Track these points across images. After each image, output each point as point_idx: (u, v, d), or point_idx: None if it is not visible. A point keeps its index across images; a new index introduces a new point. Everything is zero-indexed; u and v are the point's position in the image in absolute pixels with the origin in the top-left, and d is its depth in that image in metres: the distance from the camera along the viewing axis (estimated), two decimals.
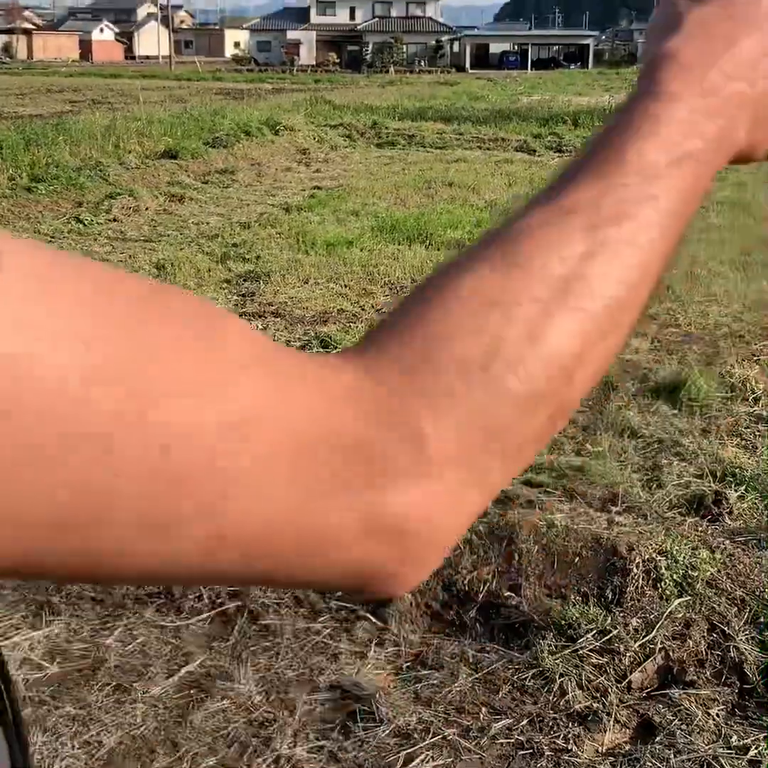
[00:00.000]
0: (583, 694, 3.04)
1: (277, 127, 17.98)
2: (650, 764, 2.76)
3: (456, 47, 77.32)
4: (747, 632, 3.28)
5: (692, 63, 0.54)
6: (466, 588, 3.54)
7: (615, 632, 3.26)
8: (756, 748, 2.83)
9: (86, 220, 10.46)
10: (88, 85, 37.82)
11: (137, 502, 0.37)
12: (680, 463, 4.49)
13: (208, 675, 3.16)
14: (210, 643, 3.34)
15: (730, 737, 2.89)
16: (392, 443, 0.43)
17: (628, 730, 2.96)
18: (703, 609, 3.35)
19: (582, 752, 2.82)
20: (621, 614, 3.35)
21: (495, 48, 78.65)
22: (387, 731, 2.89)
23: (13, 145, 13.28)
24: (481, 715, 2.97)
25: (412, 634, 3.40)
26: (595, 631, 3.27)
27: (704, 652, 3.24)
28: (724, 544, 3.62)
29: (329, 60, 69.75)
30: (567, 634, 3.29)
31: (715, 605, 3.36)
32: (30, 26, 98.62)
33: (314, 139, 18.37)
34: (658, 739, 2.88)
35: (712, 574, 3.46)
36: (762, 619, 3.31)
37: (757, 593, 3.39)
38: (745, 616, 3.33)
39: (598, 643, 3.23)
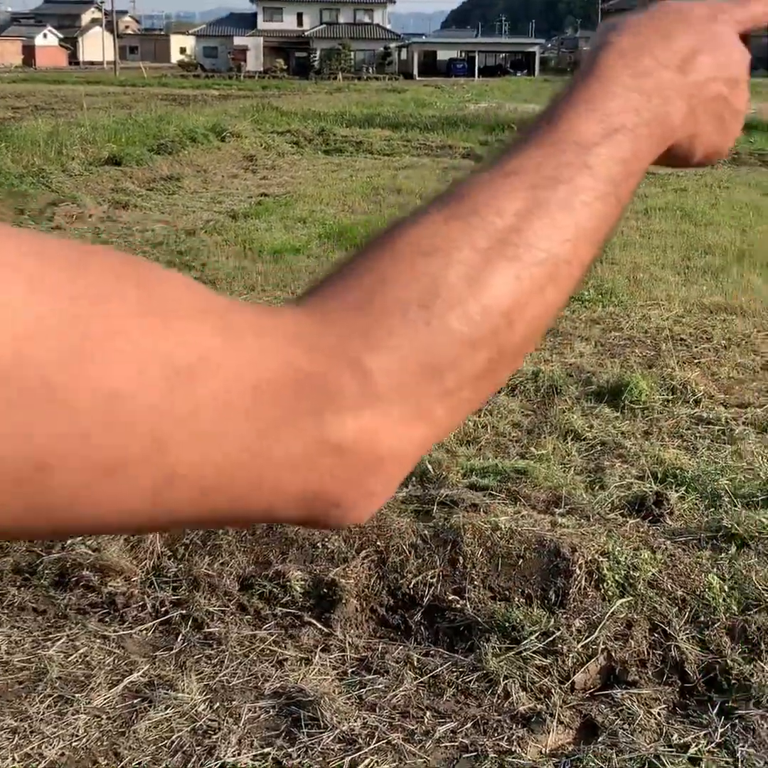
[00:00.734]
0: (526, 696, 3.06)
1: (224, 134, 17.91)
2: (593, 764, 2.78)
3: (404, 54, 77.54)
4: (688, 631, 3.33)
5: (628, 49, 0.58)
6: (412, 592, 3.55)
7: (558, 633, 3.29)
8: (696, 746, 2.87)
9: (28, 227, 10.33)
10: (31, 92, 37.37)
11: (84, 449, 0.38)
12: (622, 465, 4.55)
13: (152, 684, 3.14)
14: (153, 653, 3.32)
15: (672, 736, 2.93)
16: (337, 377, 0.45)
17: (571, 731, 2.98)
18: (644, 609, 3.39)
19: (526, 754, 2.84)
20: (564, 615, 3.38)
21: (443, 55, 79.00)
22: (332, 737, 2.89)
23: None
24: (426, 719, 2.98)
25: (357, 639, 3.40)
26: (538, 633, 3.30)
27: (646, 652, 3.27)
28: (665, 544, 3.66)
29: (277, 66, 69.62)
30: (511, 637, 3.31)
31: (656, 605, 3.40)
32: None
33: (261, 145, 18.33)
34: (600, 739, 2.91)
35: (653, 574, 3.50)
36: (702, 618, 3.36)
37: (698, 593, 3.43)
38: (686, 616, 3.38)
39: (541, 645, 3.26)
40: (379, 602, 3.54)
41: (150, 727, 2.94)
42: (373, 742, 2.87)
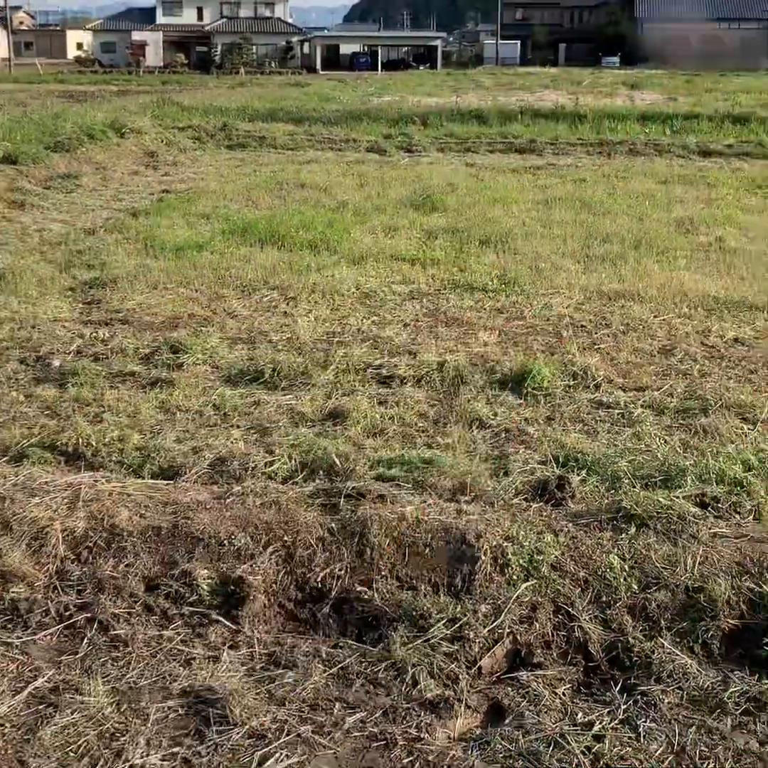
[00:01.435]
0: (434, 683, 3.09)
1: (123, 130, 17.61)
2: (500, 746, 2.82)
3: (306, 48, 77.13)
4: (590, 612, 3.40)
5: None
6: (320, 585, 3.56)
7: (465, 619, 3.33)
8: (600, 724, 2.94)
9: None
10: None
11: None
12: (526, 451, 4.61)
13: (57, 690, 3.09)
14: (58, 658, 3.26)
15: (576, 714, 2.99)
16: None
17: (478, 715, 3.02)
18: (548, 591, 3.45)
19: (434, 740, 2.87)
20: (470, 601, 3.42)
21: (345, 49, 78.79)
22: (241, 733, 2.88)
23: None
24: (335, 711, 2.99)
25: (266, 635, 3.39)
26: (445, 620, 3.33)
27: (550, 634, 3.33)
28: (567, 527, 3.73)
29: (177, 61, 68.58)
30: (419, 625, 3.34)
31: (559, 587, 3.46)
32: None
33: (162, 141, 18.08)
34: (507, 721, 2.96)
35: (556, 557, 3.56)
36: (604, 598, 3.43)
37: (599, 573, 3.51)
38: (589, 596, 3.45)
39: (448, 632, 3.29)
40: (287, 597, 3.54)
41: (56, 733, 2.89)
42: (283, 736, 2.87)
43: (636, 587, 3.46)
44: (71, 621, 3.44)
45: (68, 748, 2.84)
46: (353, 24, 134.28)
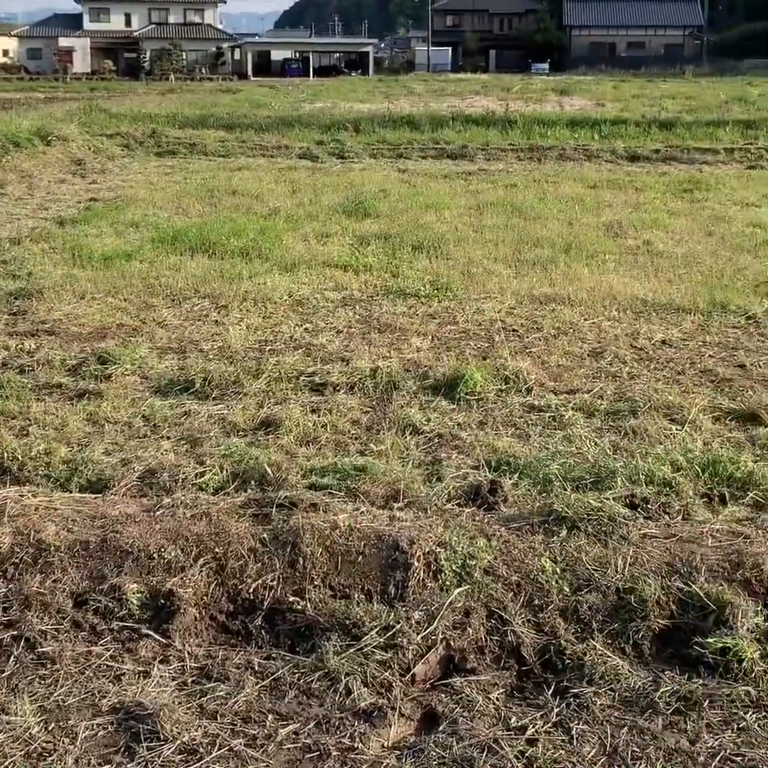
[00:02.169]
0: (368, 692, 3.07)
1: (49, 138, 17.35)
2: (434, 753, 2.82)
3: (237, 54, 76.82)
4: (523, 615, 3.41)
5: None
6: (252, 596, 3.52)
7: (398, 627, 3.32)
8: (533, 727, 2.94)
9: None
10: None
11: None
12: (459, 456, 4.62)
13: None
14: None
15: (510, 719, 2.99)
16: None
17: (412, 723, 3.01)
18: (481, 596, 3.45)
19: (368, 749, 2.85)
20: (404, 608, 3.41)
21: (277, 55, 78.62)
22: (172, 749, 2.83)
23: None
24: (268, 723, 2.95)
25: (197, 648, 3.35)
26: (379, 628, 3.32)
27: (484, 639, 3.34)
28: (500, 531, 3.74)
29: (105, 67, 67.84)
30: (352, 633, 3.32)
31: (492, 592, 3.46)
32: None
33: (90, 149, 17.86)
34: (441, 728, 2.95)
35: (489, 561, 3.57)
36: (536, 602, 3.45)
37: (532, 577, 3.52)
38: (521, 600, 3.46)
39: (382, 640, 3.28)
40: (218, 609, 3.50)
41: None
42: (215, 750, 2.83)
43: (568, 590, 3.48)
44: None
45: None
46: (284, 30, 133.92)
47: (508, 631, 3.34)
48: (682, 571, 3.52)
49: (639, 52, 76.49)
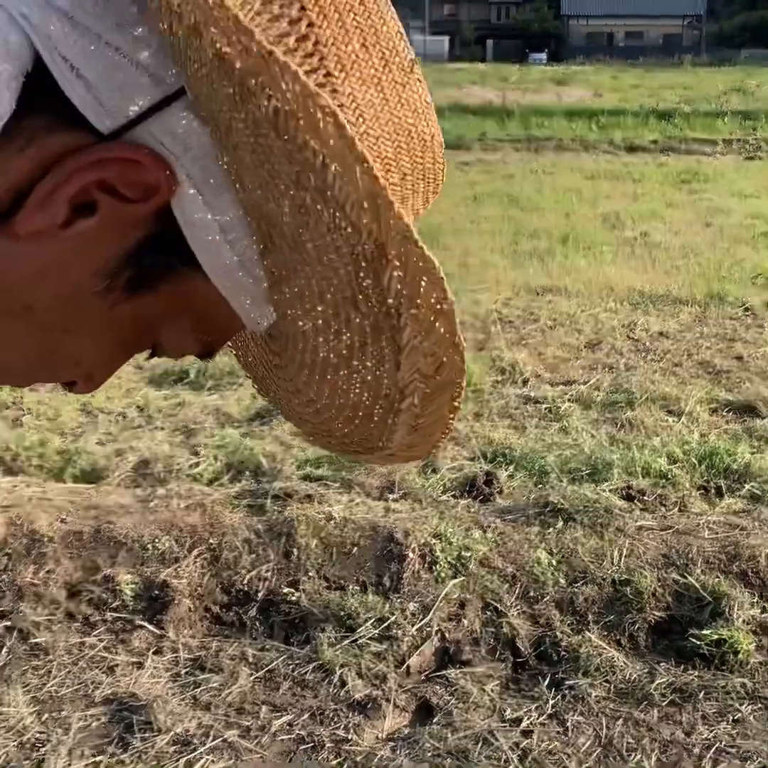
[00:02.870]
0: (362, 683, 3.07)
1: None
2: (429, 745, 2.81)
3: None
4: (518, 607, 3.40)
5: None
6: (246, 588, 3.51)
7: (393, 618, 3.31)
8: (528, 719, 2.94)
9: None
10: None
11: None
12: (454, 447, 4.61)
13: None
14: None
15: (505, 711, 2.99)
16: None
17: (407, 714, 3.00)
18: (476, 588, 3.44)
19: (362, 740, 2.84)
20: (398, 600, 3.40)
21: None
22: (166, 740, 2.83)
23: None
24: (262, 714, 2.95)
25: (191, 639, 3.33)
26: (373, 620, 3.31)
27: (479, 631, 3.33)
28: (495, 522, 3.73)
29: None
30: (346, 625, 3.31)
31: (487, 583, 3.45)
32: None
33: None
34: (436, 719, 2.94)
35: (484, 553, 3.56)
36: (532, 593, 3.44)
37: (527, 568, 3.51)
38: (517, 592, 3.45)
39: (376, 631, 3.27)
40: (212, 600, 3.48)
41: None
42: (209, 741, 2.82)
43: (563, 582, 3.47)
44: None
45: None
46: None
47: (504, 623, 3.33)
48: (678, 563, 3.51)
49: (637, 41, 76.42)
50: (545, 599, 3.41)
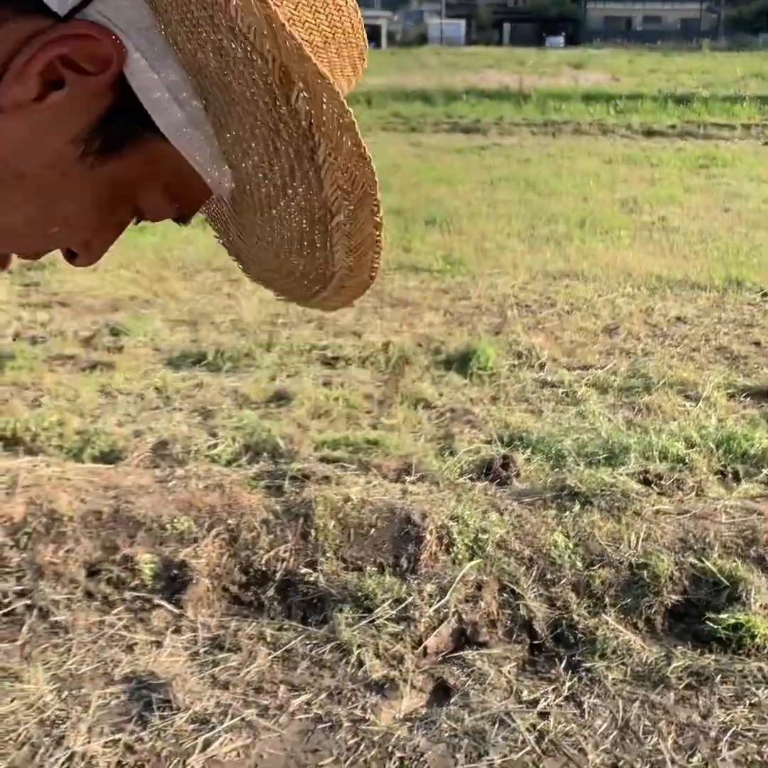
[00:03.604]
0: (380, 663, 3.08)
1: None
2: (446, 725, 2.82)
3: None
4: (535, 590, 3.40)
5: None
6: (264, 568, 3.53)
7: (410, 599, 3.32)
8: (545, 701, 2.94)
9: None
10: None
11: None
12: (471, 431, 4.61)
13: None
14: None
15: (521, 692, 3.00)
16: None
17: (424, 695, 3.02)
18: (493, 570, 3.45)
19: (380, 720, 2.86)
20: (416, 581, 3.41)
21: None
22: (185, 718, 2.85)
23: None
24: (280, 693, 2.96)
25: (209, 619, 3.35)
26: (390, 600, 3.32)
27: (496, 612, 3.34)
28: (512, 505, 3.73)
29: None
30: (364, 606, 3.33)
31: (504, 566, 3.46)
32: None
33: None
34: (452, 700, 2.95)
35: (501, 535, 3.57)
36: (549, 576, 3.44)
37: (544, 551, 3.52)
38: (533, 574, 3.45)
39: (394, 612, 3.28)
40: (231, 580, 3.50)
41: None
42: (227, 720, 2.84)
43: (580, 565, 3.47)
44: (10, 608, 3.37)
45: (8, 737, 2.79)
46: None
47: (520, 605, 3.34)
48: (695, 547, 3.51)
49: (655, 26, 75.81)
50: (562, 582, 3.42)
